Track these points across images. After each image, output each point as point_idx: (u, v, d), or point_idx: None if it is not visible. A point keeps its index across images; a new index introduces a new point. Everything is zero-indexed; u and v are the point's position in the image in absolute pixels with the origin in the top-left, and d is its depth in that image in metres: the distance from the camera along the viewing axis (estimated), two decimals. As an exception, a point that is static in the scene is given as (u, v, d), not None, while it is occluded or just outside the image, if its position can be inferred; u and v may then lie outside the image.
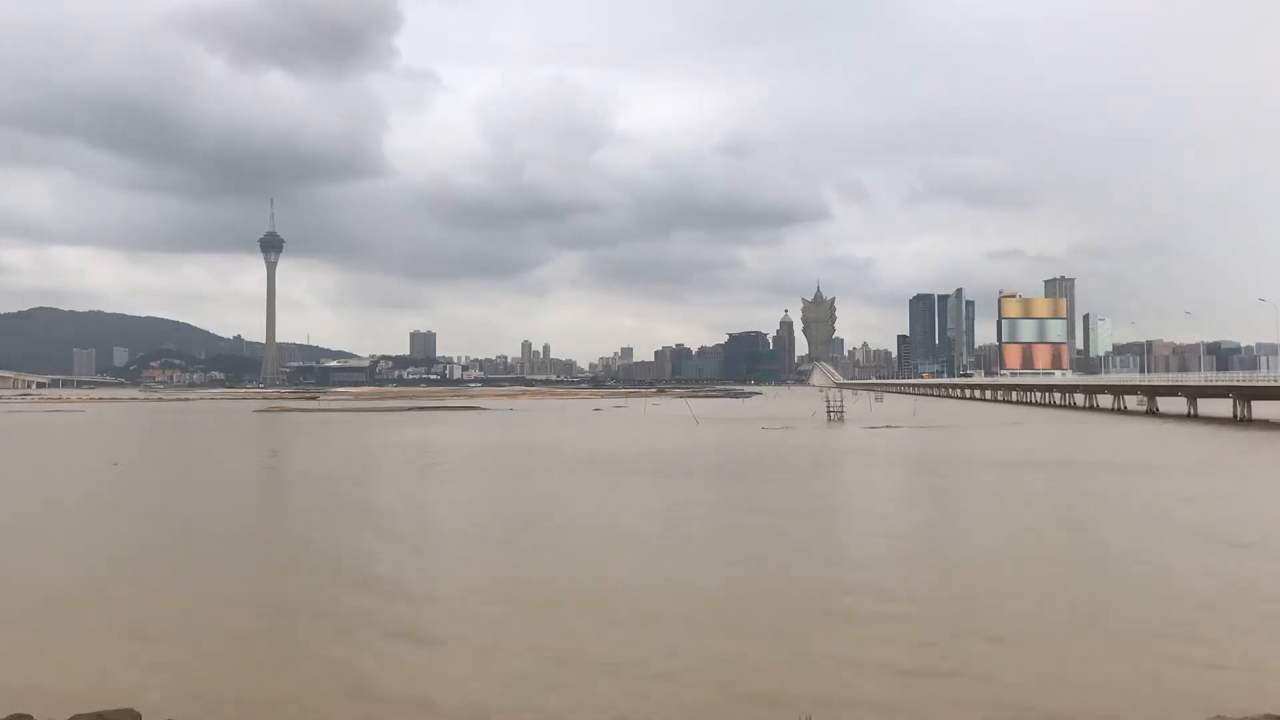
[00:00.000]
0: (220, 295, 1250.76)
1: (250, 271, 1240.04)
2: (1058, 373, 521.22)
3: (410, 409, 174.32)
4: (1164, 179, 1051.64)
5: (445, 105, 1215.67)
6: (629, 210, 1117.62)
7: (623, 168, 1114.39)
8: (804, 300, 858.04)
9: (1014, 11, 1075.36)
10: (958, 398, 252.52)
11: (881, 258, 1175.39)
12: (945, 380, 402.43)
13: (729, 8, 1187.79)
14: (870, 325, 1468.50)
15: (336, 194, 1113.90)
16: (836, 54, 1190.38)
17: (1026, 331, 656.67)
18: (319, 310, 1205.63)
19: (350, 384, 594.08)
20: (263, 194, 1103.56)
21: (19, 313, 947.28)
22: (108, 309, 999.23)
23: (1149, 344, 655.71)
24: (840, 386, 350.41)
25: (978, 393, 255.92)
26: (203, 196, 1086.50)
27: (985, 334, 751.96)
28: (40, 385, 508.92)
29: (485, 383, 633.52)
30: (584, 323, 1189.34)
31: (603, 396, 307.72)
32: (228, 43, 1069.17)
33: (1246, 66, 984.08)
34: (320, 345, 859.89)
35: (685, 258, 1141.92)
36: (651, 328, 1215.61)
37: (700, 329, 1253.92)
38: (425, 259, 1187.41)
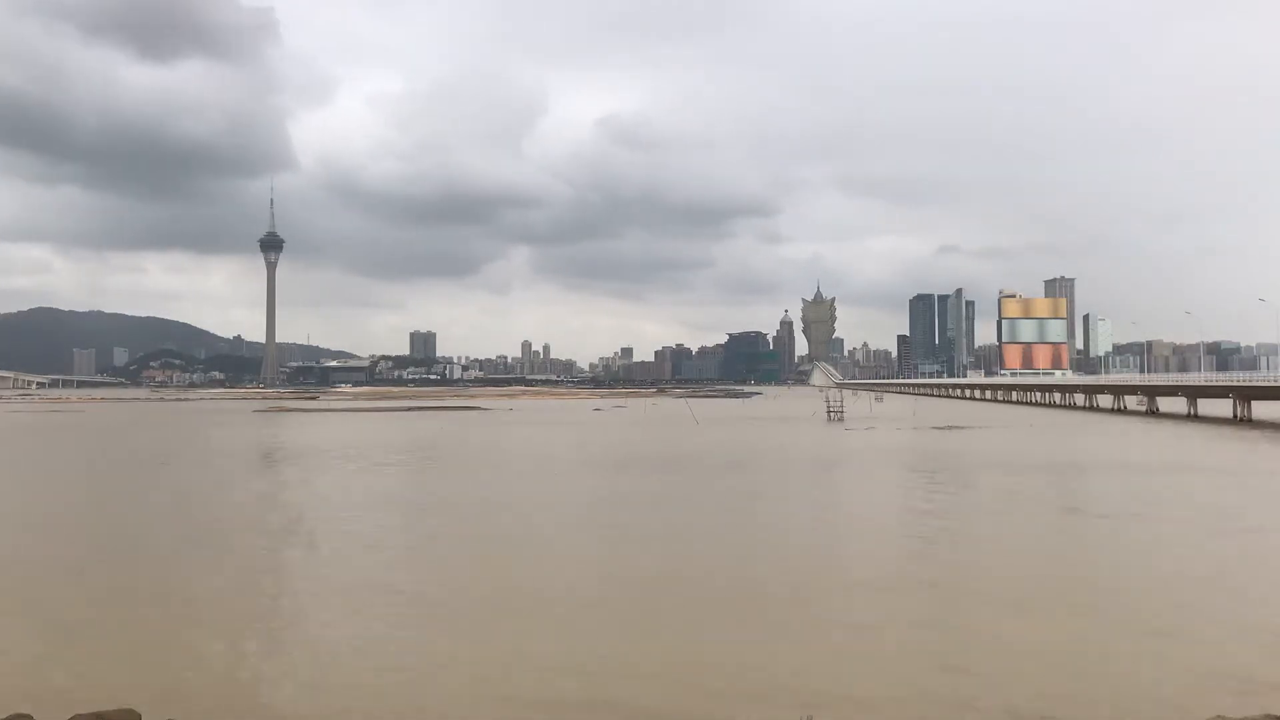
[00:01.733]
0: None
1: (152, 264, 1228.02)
2: (1058, 373, 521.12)
3: (410, 409, 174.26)
4: (1091, 177, 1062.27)
5: (370, 100, 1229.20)
6: (569, 205, 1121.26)
7: (561, 160, 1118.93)
8: (804, 300, 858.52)
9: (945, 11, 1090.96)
10: (958, 398, 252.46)
11: (829, 255, 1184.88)
12: (945, 380, 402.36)
13: (644, 5, 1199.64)
14: (871, 325, 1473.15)
15: (256, 188, 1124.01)
16: (754, 52, 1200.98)
17: (1026, 331, 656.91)
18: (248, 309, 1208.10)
19: (350, 384, 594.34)
20: (163, 188, 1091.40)
21: (19, 313, 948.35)
22: (108, 309, 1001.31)
23: (1149, 344, 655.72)
24: (840, 386, 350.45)
25: (978, 393, 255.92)
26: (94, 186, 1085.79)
27: (985, 334, 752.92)
28: (40, 385, 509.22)
29: (485, 383, 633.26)
30: (557, 320, 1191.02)
31: (603, 396, 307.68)
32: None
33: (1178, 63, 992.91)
34: (320, 345, 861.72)
35: (643, 254, 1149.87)
36: (625, 325, 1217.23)
37: (665, 327, 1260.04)
38: (365, 255, 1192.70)
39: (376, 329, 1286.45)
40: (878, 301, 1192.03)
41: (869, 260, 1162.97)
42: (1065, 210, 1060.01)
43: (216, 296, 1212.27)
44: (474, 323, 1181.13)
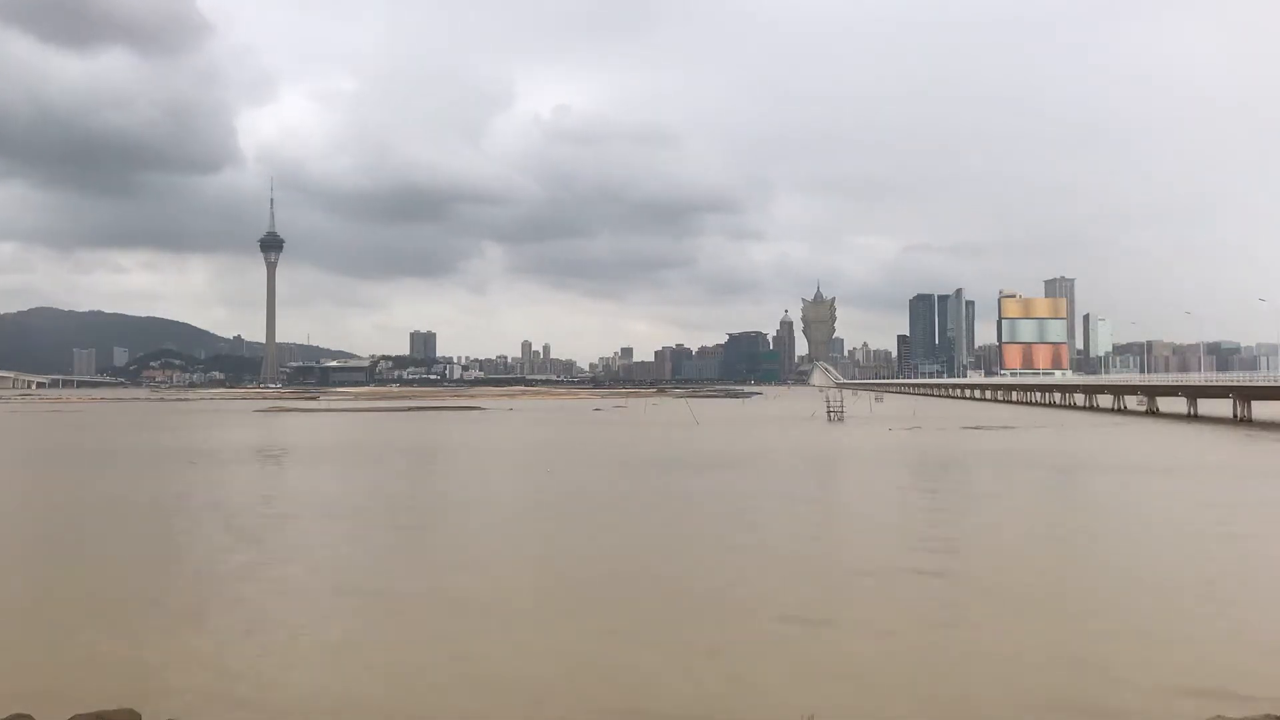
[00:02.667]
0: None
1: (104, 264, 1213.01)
2: (1058, 373, 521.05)
3: (410, 409, 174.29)
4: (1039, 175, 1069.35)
5: (326, 96, 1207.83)
6: (540, 203, 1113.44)
7: (525, 156, 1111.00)
8: (804, 300, 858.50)
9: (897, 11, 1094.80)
10: (958, 398, 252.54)
11: (799, 252, 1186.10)
12: (945, 380, 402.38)
13: (604, 2, 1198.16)
14: (871, 325, 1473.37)
15: (212, 185, 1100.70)
16: (715, 51, 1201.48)
17: (1026, 331, 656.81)
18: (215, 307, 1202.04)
19: (350, 384, 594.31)
20: (101, 184, 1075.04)
21: (19, 313, 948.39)
22: (108, 309, 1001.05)
23: (1149, 344, 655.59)
24: (840, 386, 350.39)
25: (978, 393, 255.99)
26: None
27: (985, 334, 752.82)
28: (40, 385, 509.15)
29: (485, 383, 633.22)
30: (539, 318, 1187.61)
31: (602, 396, 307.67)
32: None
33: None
34: (318, 345, 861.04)
35: (617, 252, 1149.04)
36: (608, 325, 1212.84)
37: (647, 325, 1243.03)
38: (337, 254, 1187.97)
39: (361, 328, 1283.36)
40: (878, 302, 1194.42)
41: (841, 257, 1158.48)
42: (1031, 207, 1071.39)
43: (178, 296, 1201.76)
44: (458, 322, 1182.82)
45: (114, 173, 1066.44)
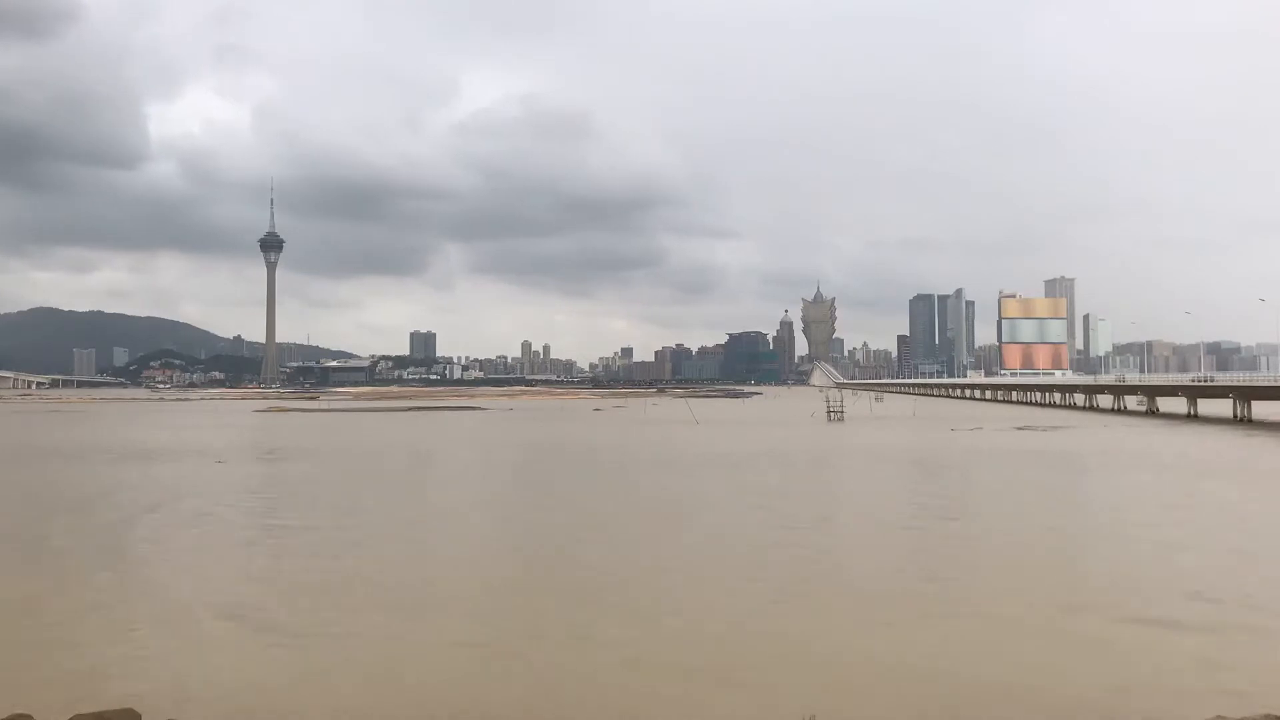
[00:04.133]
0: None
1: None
2: (1057, 373, 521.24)
3: (410, 409, 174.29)
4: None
5: (262, 90, 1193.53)
6: (488, 196, 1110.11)
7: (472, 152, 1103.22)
8: (804, 300, 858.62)
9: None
10: (958, 398, 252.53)
11: (760, 249, 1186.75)
12: (945, 380, 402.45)
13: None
14: (871, 325, 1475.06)
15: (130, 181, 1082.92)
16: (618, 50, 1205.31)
17: (1026, 331, 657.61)
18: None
19: (350, 384, 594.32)
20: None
21: (19, 313, 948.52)
22: (108, 309, 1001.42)
23: (1149, 344, 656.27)
24: (840, 386, 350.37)
25: (978, 393, 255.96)
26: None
27: (985, 334, 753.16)
28: (40, 385, 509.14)
29: (485, 383, 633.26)
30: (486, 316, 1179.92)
31: (602, 396, 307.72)
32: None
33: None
34: (319, 345, 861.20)
35: (580, 249, 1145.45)
36: (587, 324, 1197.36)
37: (620, 323, 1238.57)
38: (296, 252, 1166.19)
39: (342, 327, 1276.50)
40: (878, 302, 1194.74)
41: (807, 254, 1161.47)
42: (973, 204, 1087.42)
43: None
44: (430, 321, 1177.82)
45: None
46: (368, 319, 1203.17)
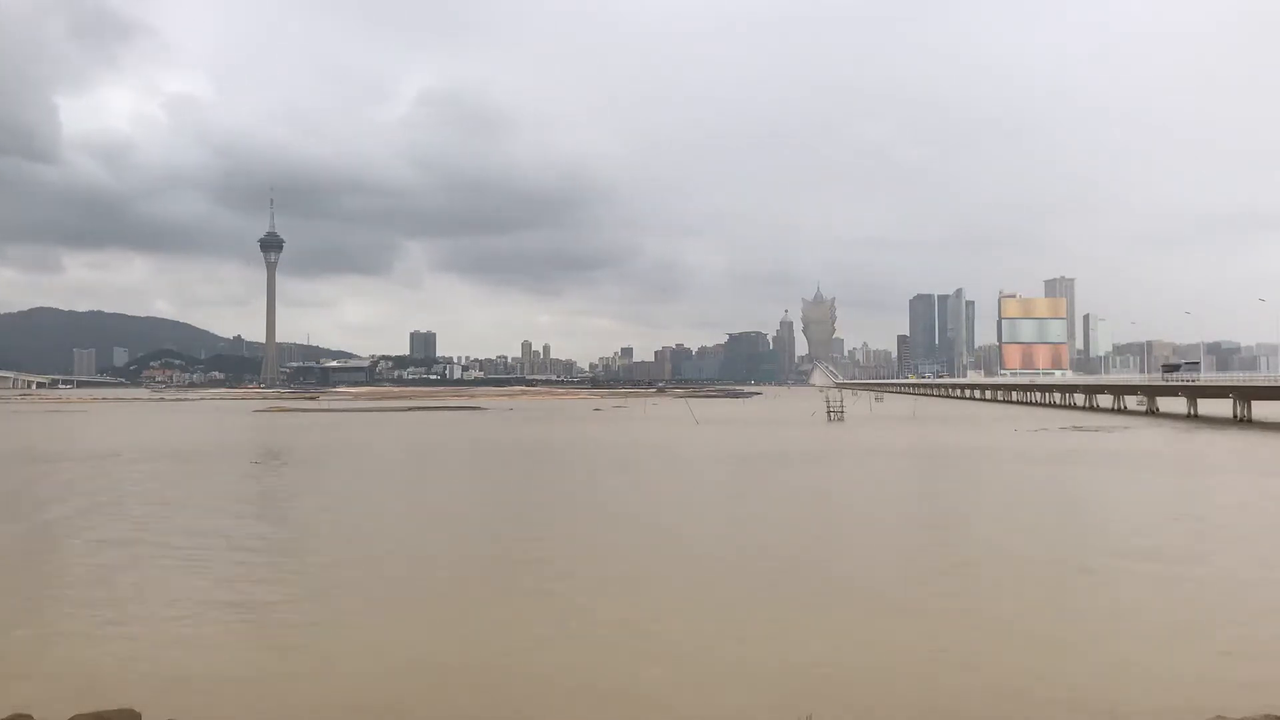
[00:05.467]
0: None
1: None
2: (1057, 373, 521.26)
3: (410, 409, 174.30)
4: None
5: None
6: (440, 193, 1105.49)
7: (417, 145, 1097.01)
8: (804, 300, 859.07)
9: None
10: (958, 398, 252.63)
11: (702, 247, 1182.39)
12: (946, 380, 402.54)
13: None
14: (871, 325, 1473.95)
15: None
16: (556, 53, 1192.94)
17: (1026, 331, 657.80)
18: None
19: (350, 384, 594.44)
20: None
21: (19, 313, 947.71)
22: (108, 309, 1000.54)
23: (1149, 344, 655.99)
24: (840, 386, 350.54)
25: (978, 393, 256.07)
26: None
27: (985, 334, 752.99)
28: (40, 385, 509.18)
29: (485, 383, 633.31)
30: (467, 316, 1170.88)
31: (602, 397, 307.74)
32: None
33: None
34: (319, 345, 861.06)
35: (544, 248, 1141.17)
36: (568, 323, 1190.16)
37: (594, 322, 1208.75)
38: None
39: (319, 326, 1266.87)
40: (878, 301, 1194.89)
41: (762, 250, 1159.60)
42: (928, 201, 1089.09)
43: None
44: (411, 321, 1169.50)
45: None
46: (344, 318, 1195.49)
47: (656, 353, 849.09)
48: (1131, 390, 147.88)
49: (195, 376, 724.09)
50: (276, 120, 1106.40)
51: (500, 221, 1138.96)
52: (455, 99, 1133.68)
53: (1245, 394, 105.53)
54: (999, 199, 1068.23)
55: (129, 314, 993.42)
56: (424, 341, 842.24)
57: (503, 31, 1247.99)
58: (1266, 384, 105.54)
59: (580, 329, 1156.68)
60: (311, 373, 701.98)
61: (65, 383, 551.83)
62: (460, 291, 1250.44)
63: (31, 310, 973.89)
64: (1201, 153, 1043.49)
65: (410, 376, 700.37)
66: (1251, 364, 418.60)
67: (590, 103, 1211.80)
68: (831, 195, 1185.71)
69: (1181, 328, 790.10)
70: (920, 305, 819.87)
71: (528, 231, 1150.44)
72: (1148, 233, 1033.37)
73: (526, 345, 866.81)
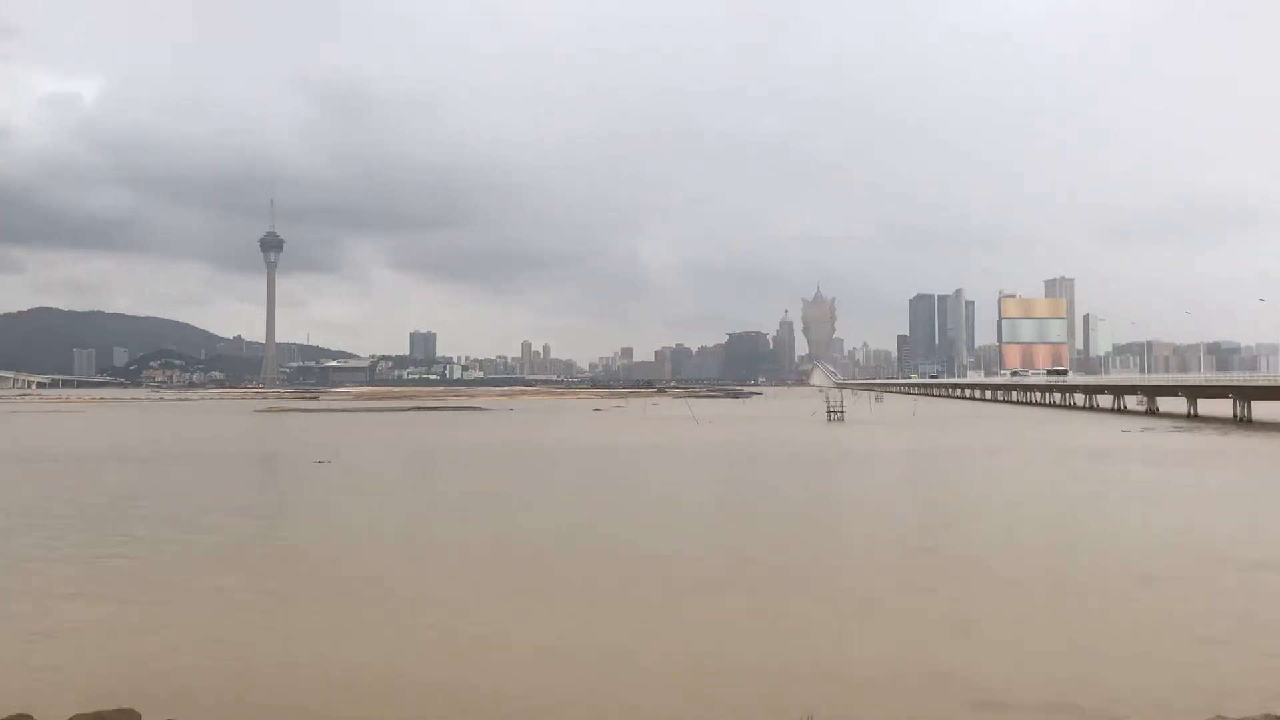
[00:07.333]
0: None
1: None
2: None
3: (411, 409, 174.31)
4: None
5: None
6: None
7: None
8: (804, 300, 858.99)
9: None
10: (958, 398, 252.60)
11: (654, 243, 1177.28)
12: (945, 380, 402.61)
13: None
14: (871, 325, 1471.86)
15: None
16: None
17: (1026, 331, 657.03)
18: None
19: (351, 384, 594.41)
20: None
21: (19, 313, 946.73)
22: (108, 309, 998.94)
23: (1149, 344, 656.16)
24: (840, 386, 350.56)
25: (977, 393, 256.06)
26: None
27: (985, 334, 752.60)
28: (40, 385, 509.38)
29: (485, 383, 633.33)
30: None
31: (602, 397, 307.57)
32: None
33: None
34: (318, 345, 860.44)
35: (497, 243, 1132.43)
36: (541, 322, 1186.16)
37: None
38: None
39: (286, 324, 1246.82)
40: (877, 301, 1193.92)
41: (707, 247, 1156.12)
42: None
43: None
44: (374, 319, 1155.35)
45: None
46: (310, 315, 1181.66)
47: (657, 353, 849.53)
48: (1131, 390, 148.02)
49: (195, 376, 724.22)
50: (177, 109, 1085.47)
51: (432, 218, 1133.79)
52: (359, 93, 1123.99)
53: (1245, 394, 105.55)
54: (999, 199, 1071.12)
55: (128, 314, 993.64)
56: (424, 341, 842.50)
57: (408, 33, 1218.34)
58: (1266, 384, 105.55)
59: (580, 329, 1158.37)
60: (311, 372, 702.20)
61: (65, 383, 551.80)
62: (461, 291, 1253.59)
63: (31, 310, 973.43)
64: (1203, 151, 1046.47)
65: (410, 376, 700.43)
66: (1252, 364, 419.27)
67: (507, 98, 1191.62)
68: (821, 196, 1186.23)
69: (1181, 328, 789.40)
70: (920, 305, 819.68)
71: (468, 227, 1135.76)
72: (1148, 232, 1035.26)
73: (526, 345, 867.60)
